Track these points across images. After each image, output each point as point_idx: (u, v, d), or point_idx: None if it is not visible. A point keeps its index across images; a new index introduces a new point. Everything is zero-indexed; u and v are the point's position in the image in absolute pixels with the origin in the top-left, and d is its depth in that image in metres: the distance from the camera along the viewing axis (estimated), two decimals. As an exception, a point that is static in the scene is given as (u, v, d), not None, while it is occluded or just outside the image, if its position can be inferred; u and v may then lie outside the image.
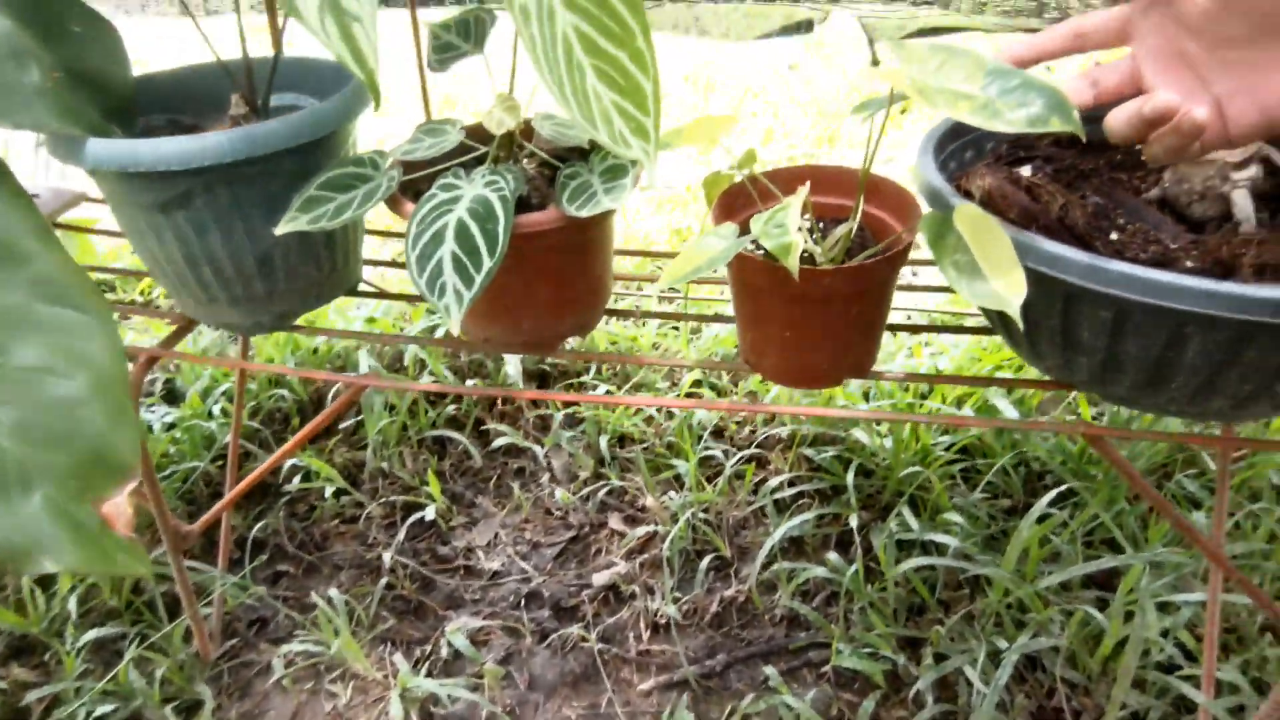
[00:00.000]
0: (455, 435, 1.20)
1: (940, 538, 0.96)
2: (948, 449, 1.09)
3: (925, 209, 0.67)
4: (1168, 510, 0.68)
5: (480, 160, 0.69)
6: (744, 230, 0.64)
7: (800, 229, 0.56)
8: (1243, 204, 0.60)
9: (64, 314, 0.59)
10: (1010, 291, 0.52)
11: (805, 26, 1.27)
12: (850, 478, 1.05)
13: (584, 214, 0.58)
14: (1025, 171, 0.71)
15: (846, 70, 2.06)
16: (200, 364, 1.25)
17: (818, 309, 0.61)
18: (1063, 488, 1.00)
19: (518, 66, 0.66)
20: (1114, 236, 0.61)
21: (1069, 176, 0.69)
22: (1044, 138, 0.77)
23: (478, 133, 0.70)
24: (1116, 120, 0.54)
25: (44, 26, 0.61)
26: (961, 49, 0.56)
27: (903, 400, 1.14)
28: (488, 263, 0.56)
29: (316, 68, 0.81)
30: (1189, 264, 0.57)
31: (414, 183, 0.71)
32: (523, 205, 0.66)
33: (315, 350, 1.30)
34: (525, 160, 0.69)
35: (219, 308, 0.73)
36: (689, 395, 1.22)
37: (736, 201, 0.69)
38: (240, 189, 0.66)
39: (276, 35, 0.84)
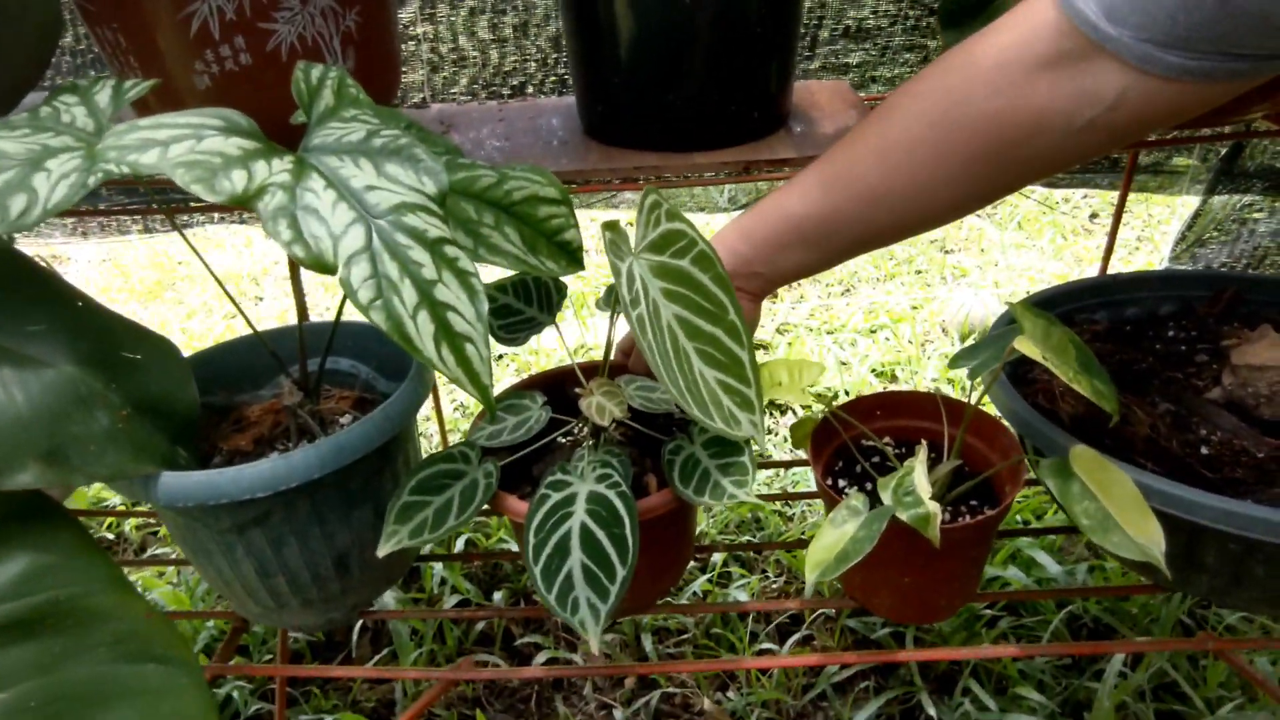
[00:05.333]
0: (487, 655, 1.13)
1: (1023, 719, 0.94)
2: (991, 606, 1.09)
3: (1011, 431, 0.68)
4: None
5: (569, 435, 0.67)
6: (831, 465, 0.64)
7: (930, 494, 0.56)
8: (1314, 407, 0.64)
9: (149, 672, 0.55)
10: (1152, 543, 0.53)
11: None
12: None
13: (710, 502, 0.57)
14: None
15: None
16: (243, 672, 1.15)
17: (942, 558, 0.61)
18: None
19: (613, 337, 0.64)
20: (1204, 451, 0.63)
21: (1129, 377, 0.72)
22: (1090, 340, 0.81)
23: (551, 391, 0.68)
24: None
25: (106, 362, 0.57)
26: (1049, 318, 0.59)
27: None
28: (621, 572, 0.54)
29: (353, 330, 0.79)
30: (1287, 477, 0.60)
31: (504, 471, 0.66)
32: (618, 477, 0.65)
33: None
34: (613, 427, 0.67)
35: (289, 612, 0.68)
36: (722, 576, 1.20)
37: (824, 438, 0.70)
38: (321, 498, 0.62)
39: (303, 307, 0.79)
